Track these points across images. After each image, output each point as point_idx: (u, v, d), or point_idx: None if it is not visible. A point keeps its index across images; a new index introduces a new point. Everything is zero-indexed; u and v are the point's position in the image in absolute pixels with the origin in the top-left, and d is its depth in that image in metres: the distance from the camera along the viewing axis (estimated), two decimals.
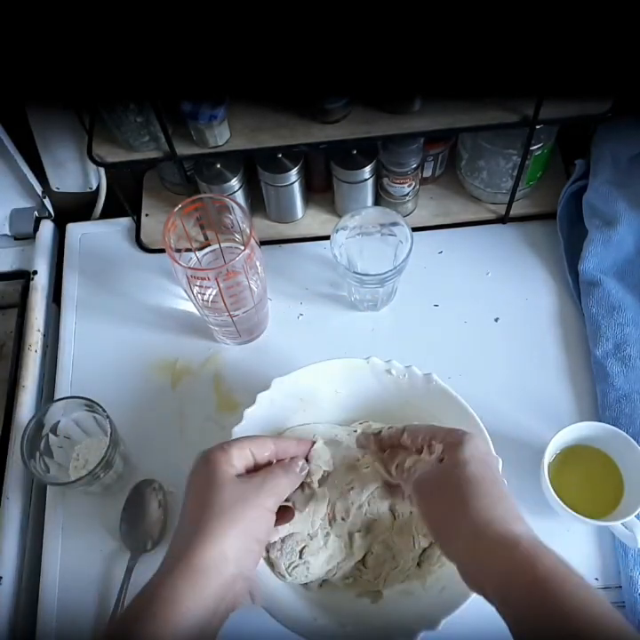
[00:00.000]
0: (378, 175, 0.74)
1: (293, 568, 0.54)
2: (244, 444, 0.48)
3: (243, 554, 0.43)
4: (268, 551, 0.55)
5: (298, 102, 0.65)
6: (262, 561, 0.54)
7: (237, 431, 0.57)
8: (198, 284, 0.60)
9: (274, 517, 0.47)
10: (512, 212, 0.78)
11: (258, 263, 0.63)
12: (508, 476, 0.55)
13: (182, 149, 0.66)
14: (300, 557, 0.54)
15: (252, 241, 0.59)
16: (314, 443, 0.54)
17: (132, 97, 0.60)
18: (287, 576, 0.54)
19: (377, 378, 0.61)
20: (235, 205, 0.61)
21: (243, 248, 0.59)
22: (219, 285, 0.59)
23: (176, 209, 0.60)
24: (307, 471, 0.53)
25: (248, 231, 0.59)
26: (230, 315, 0.65)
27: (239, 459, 0.47)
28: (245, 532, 0.44)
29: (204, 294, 0.63)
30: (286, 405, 0.60)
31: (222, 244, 0.67)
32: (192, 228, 0.63)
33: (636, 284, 0.71)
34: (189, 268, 0.59)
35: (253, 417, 0.58)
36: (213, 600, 0.41)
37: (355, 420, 0.61)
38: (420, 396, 0.60)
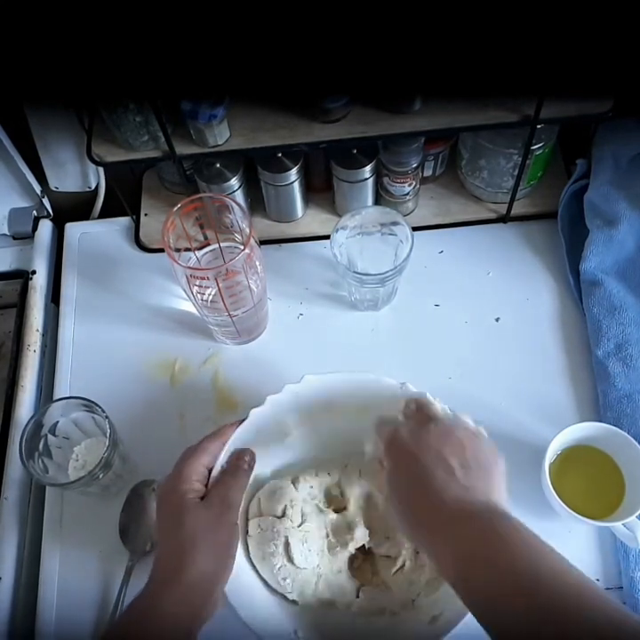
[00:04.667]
0: (378, 174, 0.74)
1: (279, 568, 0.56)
2: (195, 464, 0.53)
3: (219, 568, 0.50)
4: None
5: (298, 102, 0.65)
6: (249, 570, 0.57)
7: (255, 412, 0.58)
8: (198, 283, 0.60)
9: (238, 527, 0.53)
10: (513, 212, 0.77)
11: (257, 263, 0.63)
12: (508, 477, 0.55)
13: (182, 149, 0.66)
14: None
15: (252, 240, 0.59)
16: (242, 421, 0.57)
17: (132, 97, 0.60)
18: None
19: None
20: (234, 205, 0.60)
21: (242, 248, 0.59)
22: (218, 285, 0.59)
23: (175, 208, 0.60)
24: (255, 461, 0.56)
25: (248, 231, 0.59)
26: (230, 314, 0.65)
27: (197, 481, 0.52)
28: (220, 551, 0.50)
29: (204, 294, 0.62)
30: (313, 402, 0.60)
31: (222, 244, 0.67)
32: (191, 228, 0.63)
33: (637, 284, 0.70)
34: (189, 267, 0.59)
35: (276, 404, 0.59)
36: (197, 607, 0.47)
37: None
38: None
